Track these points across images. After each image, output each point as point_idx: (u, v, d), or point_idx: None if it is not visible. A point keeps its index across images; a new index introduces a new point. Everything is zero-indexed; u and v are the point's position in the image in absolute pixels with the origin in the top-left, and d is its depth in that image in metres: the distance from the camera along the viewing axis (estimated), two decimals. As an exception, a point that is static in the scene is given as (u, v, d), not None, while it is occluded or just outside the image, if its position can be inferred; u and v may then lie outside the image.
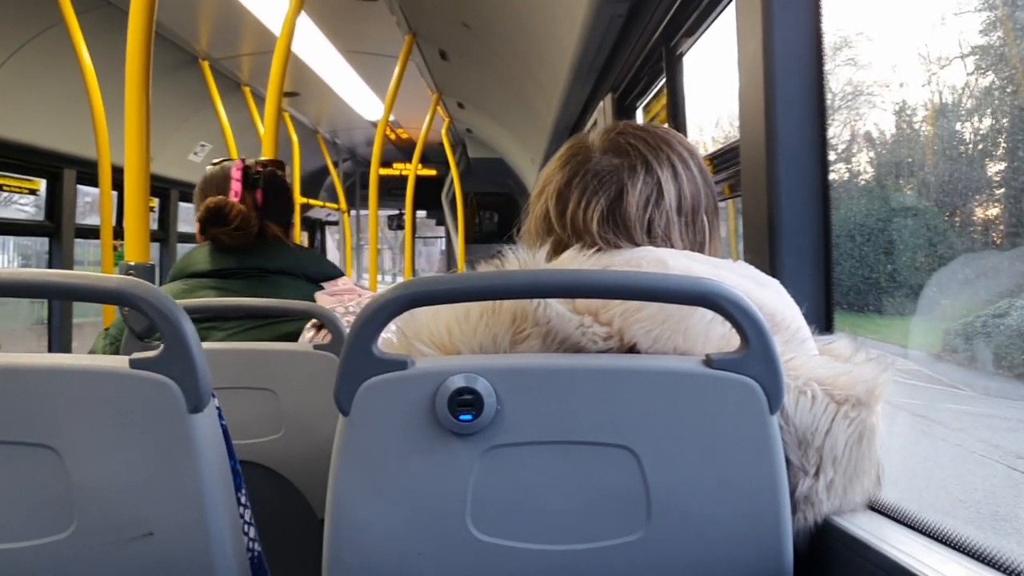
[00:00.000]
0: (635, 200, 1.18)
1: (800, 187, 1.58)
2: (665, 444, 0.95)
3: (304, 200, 9.85)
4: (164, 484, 1.01)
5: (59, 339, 5.67)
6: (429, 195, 11.83)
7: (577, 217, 1.19)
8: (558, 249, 1.17)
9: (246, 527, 1.16)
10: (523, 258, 1.11)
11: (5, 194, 5.38)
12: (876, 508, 1.14)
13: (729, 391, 0.95)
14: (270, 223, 2.14)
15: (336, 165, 11.09)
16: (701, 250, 1.22)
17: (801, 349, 1.09)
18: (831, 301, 1.60)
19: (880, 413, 1.06)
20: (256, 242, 2.10)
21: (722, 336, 1.02)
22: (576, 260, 1.12)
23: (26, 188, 5.56)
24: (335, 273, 2.20)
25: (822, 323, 1.56)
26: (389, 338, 1.03)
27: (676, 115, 3.12)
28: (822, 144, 1.59)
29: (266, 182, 2.18)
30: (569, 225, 1.20)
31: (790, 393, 1.01)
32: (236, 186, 2.13)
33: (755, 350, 0.95)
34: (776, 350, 0.95)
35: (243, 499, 1.16)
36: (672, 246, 1.19)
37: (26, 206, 5.70)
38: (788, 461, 1.00)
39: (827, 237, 1.59)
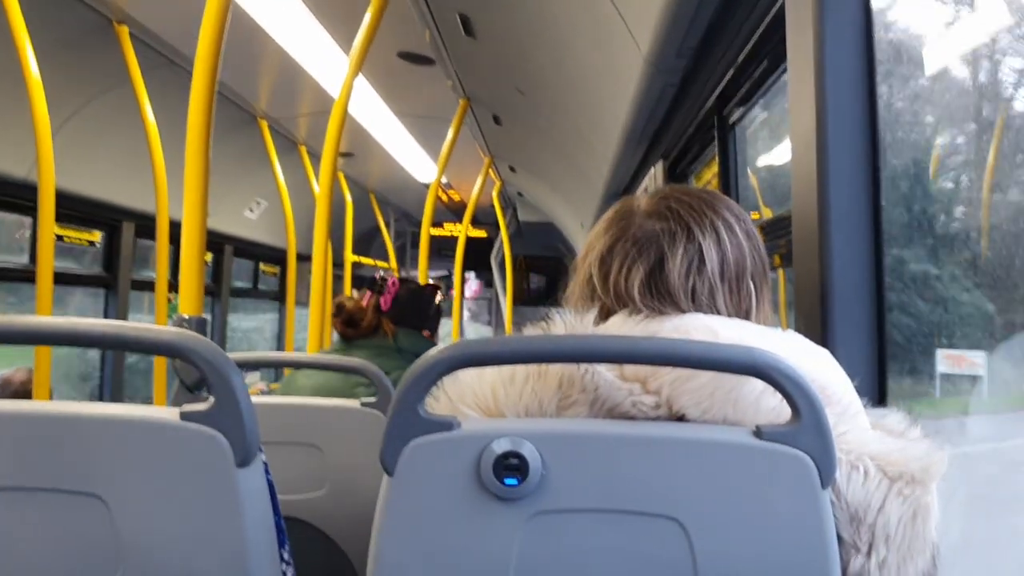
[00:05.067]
0: (676, 267, 1.16)
1: (853, 257, 1.56)
2: (714, 516, 0.94)
3: (356, 258, 9.95)
4: (209, 537, 1.01)
5: (111, 388, 5.74)
6: (478, 256, 11.89)
7: (619, 283, 1.17)
8: (605, 314, 1.17)
9: (287, 585, 1.15)
10: (570, 322, 1.11)
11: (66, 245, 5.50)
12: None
13: (780, 464, 0.94)
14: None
15: (388, 225, 11.21)
16: (748, 316, 1.20)
17: (853, 423, 1.07)
18: (884, 373, 1.57)
19: (935, 492, 1.03)
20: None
21: (773, 408, 1.00)
22: (625, 326, 1.11)
23: (85, 240, 5.68)
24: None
25: (875, 396, 1.54)
26: (431, 400, 1.03)
27: (727, 183, 3.12)
28: (876, 213, 1.57)
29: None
30: (612, 291, 1.18)
31: (842, 468, 0.99)
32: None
33: (807, 423, 0.93)
34: (828, 423, 0.94)
35: (286, 556, 1.15)
36: (718, 312, 1.17)
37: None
38: (840, 538, 0.98)
39: (880, 308, 1.56)
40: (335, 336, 2.79)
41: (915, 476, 1.01)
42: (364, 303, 2.73)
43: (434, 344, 2.70)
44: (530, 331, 1.08)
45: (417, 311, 2.80)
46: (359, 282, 13.36)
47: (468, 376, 1.07)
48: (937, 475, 1.03)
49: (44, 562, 1.00)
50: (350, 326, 2.69)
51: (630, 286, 1.16)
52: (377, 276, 2.79)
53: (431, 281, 3.01)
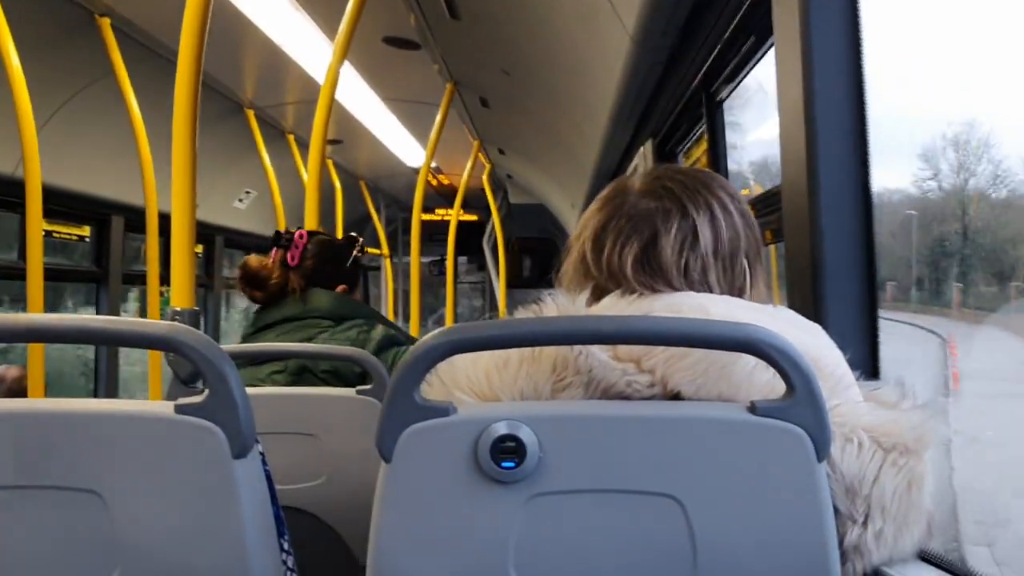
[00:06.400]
0: (669, 244, 1.16)
1: (843, 231, 1.57)
2: (711, 493, 0.94)
3: (346, 246, 9.91)
4: (207, 530, 1.01)
5: (105, 384, 5.74)
6: (470, 240, 11.87)
7: (613, 261, 1.18)
8: (598, 295, 1.17)
9: (288, 574, 1.15)
10: (562, 304, 1.11)
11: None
12: (927, 558, 1.12)
13: (775, 439, 0.94)
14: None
15: (378, 211, 11.18)
16: (741, 294, 1.20)
17: (846, 395, 1.07)
18: (876, 346, 1.58)
19: (928, 461, 1.04)
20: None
21: (766, 383, 1.00)
22: (617, 306, 1.11)
23: (75, 235, 5.66)
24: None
25: (868, 369, 1.54)
26: (424, 386, 1.03)
27: (717, 161, 3.11)
28: (865, 187, 1.57)
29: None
30: (605, 269, 1.18)
31: (836, 440, 0.99)
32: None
33: (801, 397, 0.93)
34: (822, 397, 0.94)
35: (286, 545, 1.16)
36: (710, 290, 1.17)
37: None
38: (836, 510, 0.99)
39: (872, 281, 1.57)
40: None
41: (909, 446, 1.02)
42: (271, 259, 2.45)
43: (355, 301, 2.50)
44: (521, 314, 1.08)
45: (330, 264, 2.51)
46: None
47: (461, 361, 1.06)
48: (930, 444, 1.04)
49: (42, 559, 1.00)
50: (256, 287, 2.43)
51: (623, 263, 1.17)
52: (283, 231, 2.50)
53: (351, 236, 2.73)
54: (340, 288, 2.50)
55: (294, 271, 2.43)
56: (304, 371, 2.24)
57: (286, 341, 2.27)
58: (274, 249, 2.46)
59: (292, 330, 2.34)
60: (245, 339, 2.42)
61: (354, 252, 2.59)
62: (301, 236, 2.47)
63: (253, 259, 2.45)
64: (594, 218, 1.23)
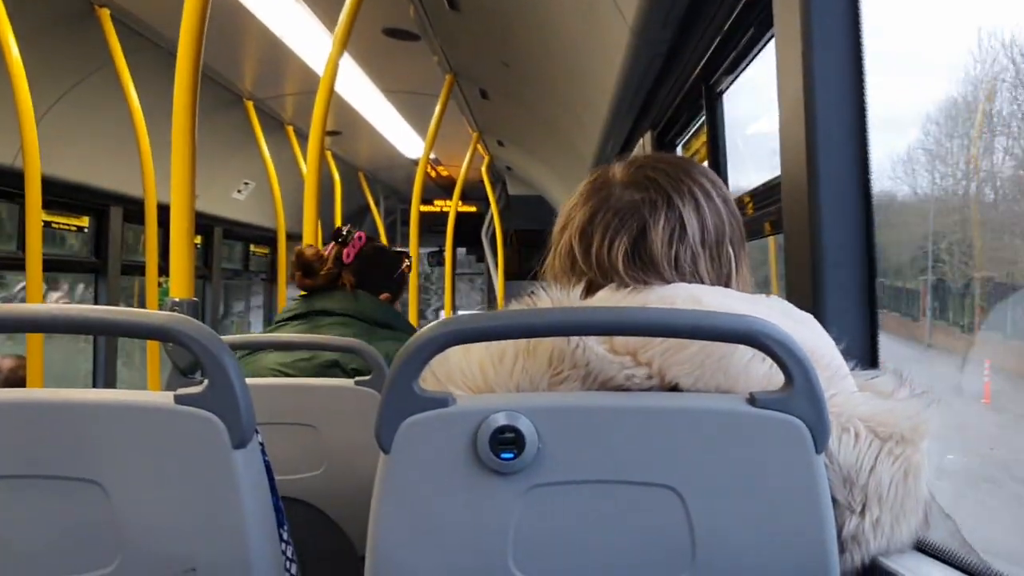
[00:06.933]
0: (658, 237, 1.16)
1: (843, 222, 1.56)
2: (709, 484, 0.94)
3: (345, 237, 9.92)
4: (207, 520, 1.01)
5: (104, 375, 5.74)
6: (469, 232, 11.87)
7: (602, 256, 1.17)
8: (586, 288, 1.16)
9: (288, 564, 1.16)
10: (556, 297, 1.11)
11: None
12: (924, 549, 1.12)
13: (774, 430, 0.94)
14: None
15: (377, 202, 11.18)
16: (728, 281, 1.20)
17: (842, 386, 1.07)
18: (876, 337, 1.58)
19: (925, 450, 1.04)
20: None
21: (764, 374, 1.00)
22: (612, 299, 1.11)
23: (74, 225, 5.66)
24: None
25: (867, 359, 1.54)
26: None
27: (716, 152, 3.11)
28: (865, 179, 1.57)
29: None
30: (595, 263, 1.18)
31: (833, 431, 0.99)
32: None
33: (799, 388, 0.93)
34: (821, 389, 0.94)
35: (285, 535, 1.16)
36: (701, 280, 1.17)
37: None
38: (834, 500, 0.99)
39: (871, 272, 1.57)
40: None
41: (905, 435, 1.02)
42: (326, 252, 2.55)
43: (396, 311, 2.59)
44: (515, 307, 1.08)
45: (379, 270, 2.63)
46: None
47: (456, 356, 1.06)
48: (926, 433, 1.04)
49: (44, 550, 1.00)
50: (307, 275, 2.53)
51: (614, 257, 1.16)
52: (344, 228, 2.61)
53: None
54: (383, 296, 2.58)
55: (347, 268, 2.53)
56: (334, 366, 2.28)
57: (328, 332, 2.30)
58: (332, 243, 2.56)
59: (335, 324, 2.41)
60: (289, 317, 2.50)
61: (403, 265, 2.73)
62: (360, 237, 2.59)
63: (308, 249, 2.55)
64: (579, 211, 1.22)
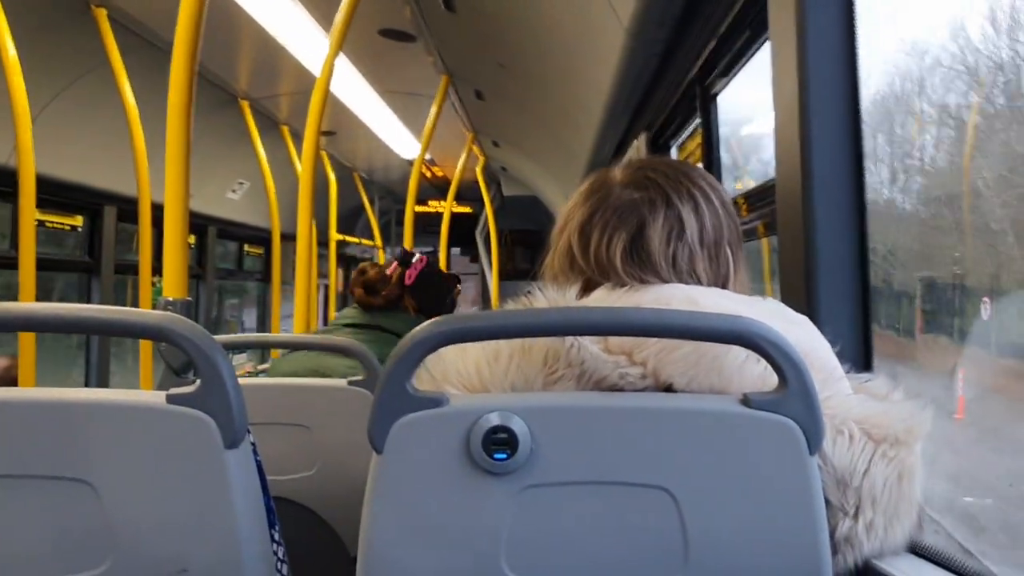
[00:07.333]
0: (656, 234, 1.16)
1: (837, 225, 1.57)
2: (703, 485, 0.94)
3: (340, 237, 9.92)
4: (198, 520, 1.01)
5: (96, 374, 5.72)
6: (464, 232, 11.87)
7: (600, 253, 1.17)
8: (584, 288, 1.16)
9: (279, 564, 1.15)
10: (552, 297, 1.11)
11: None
12: (917, 551, 1.12)
13: (768, 431, 0.94)
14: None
15: (372, 202, 11.18)
16: (725, 283, 1.20)
17: (837, 388, 1.07)
18: (869, 339, 1.58)
19: (919, 453, 1.04)
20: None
21: (758, 376, 1.00)
22: (607, 299, 1.11)
23: (67, 225, 5.64)
24: None
25: (861, 361, 1.55)
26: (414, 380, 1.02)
27: (710, 154, 3.11)
28: (859, 181, 1.58)
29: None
30: (593, 261, 1.18)
31: (827, 432, 0.99)
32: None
33: (793, 390, 0.93)
34: (815, 390, 0.94)
35: (276, 536, 1.15)
36: (699, 280, 1.17)
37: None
38: (827, 502, 0.99)
39: (864, 274, 1.57)
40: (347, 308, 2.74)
41: (899, 438, 1.02)
42: (389, 271, 2.67)
43: None
44: (511, 307, 1.08)
45: (436, 294, 2.77)
46: (344, 260, 13.37)
47: (451, 355, 1.06)
48: (921, 436, 1.04)
49: (35, 549, 1.00)
50: (369, 293, 2.64)
51: (612, 255, 1.16)
52: (410, 250, 2.75)
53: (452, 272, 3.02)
54: None
55: (407, 290, 2.67)
56: None
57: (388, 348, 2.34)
58: (395, 263, 2.70)
59: (391, 341, 2.50)
60: (346, 324, 2.60)
61: (455, 292, 2.89)
62: (421, 260, 2.73)
63: (372, 268, 2.69)
64: (579, 211, 1.23)
